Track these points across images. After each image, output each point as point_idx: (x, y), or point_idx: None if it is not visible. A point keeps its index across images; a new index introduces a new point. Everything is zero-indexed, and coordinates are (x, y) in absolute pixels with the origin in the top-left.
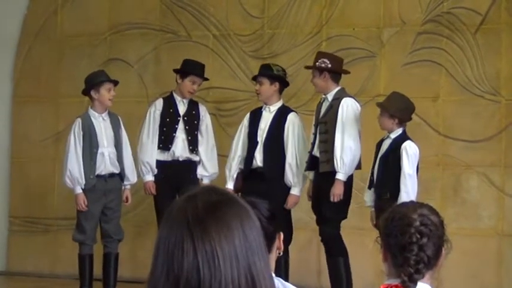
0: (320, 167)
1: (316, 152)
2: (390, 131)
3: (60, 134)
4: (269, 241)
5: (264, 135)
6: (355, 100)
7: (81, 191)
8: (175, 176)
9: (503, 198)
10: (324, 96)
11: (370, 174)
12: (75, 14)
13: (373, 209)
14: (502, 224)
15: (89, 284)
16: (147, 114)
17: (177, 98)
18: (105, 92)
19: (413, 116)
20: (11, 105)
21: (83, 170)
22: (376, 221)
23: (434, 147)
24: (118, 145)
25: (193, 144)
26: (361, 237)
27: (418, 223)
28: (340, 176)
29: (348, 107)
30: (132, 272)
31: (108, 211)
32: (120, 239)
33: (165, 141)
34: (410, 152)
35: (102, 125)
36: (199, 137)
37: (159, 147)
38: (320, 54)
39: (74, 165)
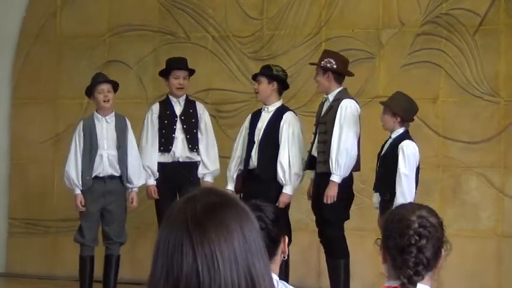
0: (317, 167)
1: (314, 152)
2: (392, 130)
3: (60, 136)
4: (274, 244)
5: (260, 135)
6: (356, 102)
7: (79, 191)
8: (175, 177)
9: (502, 199)
10: (325, 96)
11: (375, 176)
12: (74, 15)
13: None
14: (501, 225)
15: (88, 286)
16: (145, 120)
17: (173, 100)
18: (98, 95)
19: None
20: (10, 106)
21: (80, 171)
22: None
23: (433, 149)
24: (121, 148)
25: (192, 143)
26: (361, 238)
27: (416, 225)
28: (335, 177)
29: (347, 109)
30: (132, 273)
31: (107, 213)
32: (122, 242)
33: (166, 143)
34: (407, 152)
35: (104, 127)
36: (199, 136)
37: (160, 150)
38: (326, 53)
39: (71, 167)
